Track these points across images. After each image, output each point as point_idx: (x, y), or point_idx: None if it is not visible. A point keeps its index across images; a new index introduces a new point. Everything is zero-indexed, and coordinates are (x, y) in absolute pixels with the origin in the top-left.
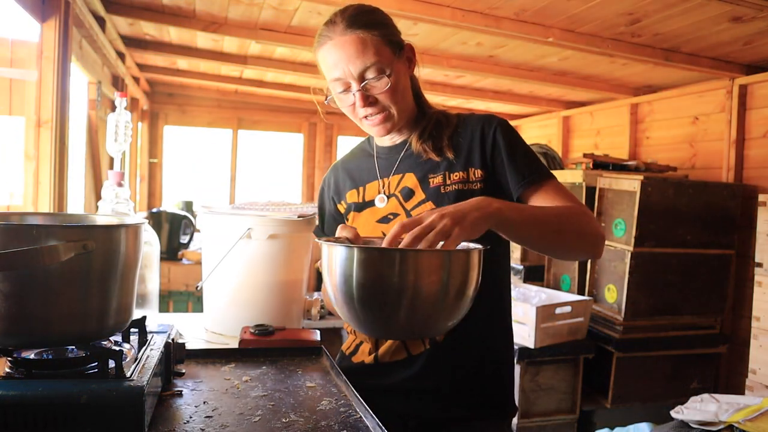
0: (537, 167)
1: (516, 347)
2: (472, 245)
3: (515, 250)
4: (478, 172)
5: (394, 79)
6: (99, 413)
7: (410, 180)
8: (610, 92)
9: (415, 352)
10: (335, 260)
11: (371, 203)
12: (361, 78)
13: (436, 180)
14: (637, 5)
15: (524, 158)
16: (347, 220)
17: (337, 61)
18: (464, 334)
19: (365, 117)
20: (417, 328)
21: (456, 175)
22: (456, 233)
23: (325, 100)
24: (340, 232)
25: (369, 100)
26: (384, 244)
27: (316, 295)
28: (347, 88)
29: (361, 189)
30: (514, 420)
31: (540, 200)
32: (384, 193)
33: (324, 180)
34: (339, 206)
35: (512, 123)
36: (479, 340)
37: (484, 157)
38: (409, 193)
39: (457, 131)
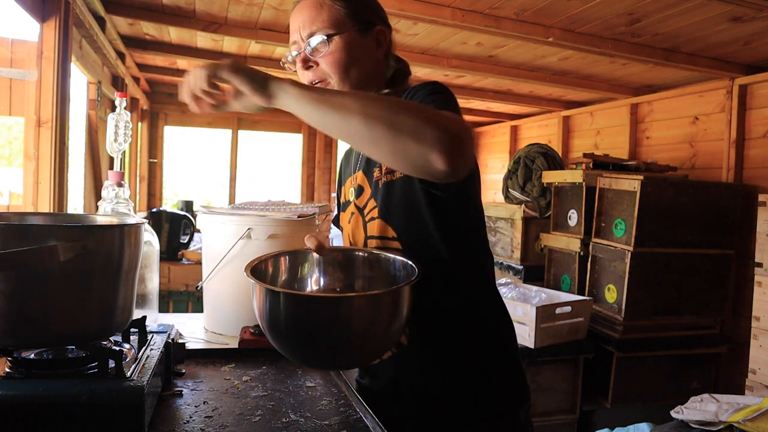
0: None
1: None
2: (409, 262)
3: (515, 250)
4: None
5: (339, 47)
6: (99, 413)
7: (360, 174)
8: (610, 92)
9: (384, 356)
10: (258, 298)
11: (349, 201)
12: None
13: (376, 172)
14: (637, 5)
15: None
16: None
17: (294, 23)
18: (432, 335)
19: (308, 83)
20: (343, 362)
21: (385, 165)
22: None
23: (281, 63)
24: (306, 242)
25: (309, 63)
26: None
27: None
28: (300, 52)
29: (344, 186)
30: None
31: None
32: (353, 188)
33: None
34: (340, 199)
35: (512, 123)
36: (451, 340)
37: None
38: (359, 190)
39: None
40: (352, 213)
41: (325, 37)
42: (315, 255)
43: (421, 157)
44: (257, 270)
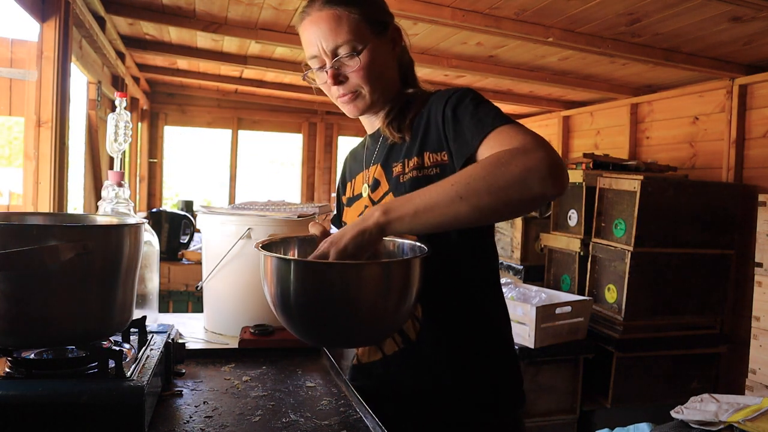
0: (481, 127)
1: (516, 347)
2: (417, 244)
3: (515, 250)
4: (433, 156)
5: (368, 59)
6: (99, 413)
7: (378, 169)
8: (610, 92)
9: (388, 351)
10: (269, 270)
11: (360, 195)
12: (334, 55)
13: (397, 168)
14: (637, 5)
15: (469, 123)
16: (343, 214)
17: (312, 38)
18: (439, 330)
19: (338, 96)
20: (351, 338)
21: (412, 161)
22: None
23: (303, 76)
24: (310, 229)
25: (339, 78)
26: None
27: None
28: (322, 66)
29: (352, 182)
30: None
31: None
32: (367, 184)
33: (343, 164)
34: (342, 197)
35: None
36: (457, 336)
37: (438, 137)
38: (375, 184)
39: (421, 111)
40: (365, 206)
41: (354, 53)
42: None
43: (538, 197)
44: (268, 248)
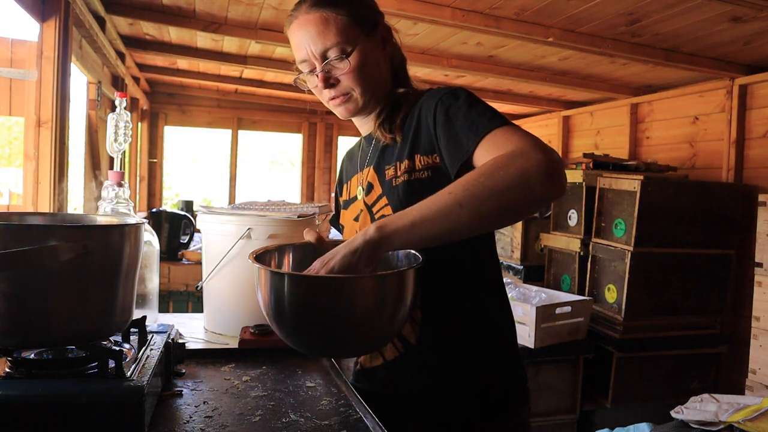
0: (476, 129)
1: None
2: (413, 253)
3: (515, 250)
4: (425, 159)
5: (358, 60)
6: (99, 413)
7: (371, 172)
8: (610, 92)
9: (389, 356)
10: (262, 281)
11: (355, 198)
12: (323, 58)
13: (389, 171)
14: (637, 5)
15: (463, 125)
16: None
17: (301, 42)
18: (439, 334)
19: (330, 99)
20: (344, 349)
21: (404, 165)
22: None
23: (294, 81)
24: (305, 236)
25: (330, 81)
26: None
27: None
28: (313, 69)
29: (348, 183)
30: None
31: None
32: (361, 187)
33: (339, 166)
34: (340, 199)
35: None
36: (457, 339)
37: (430, 139)
38: (369, 188)
39: (412, 111)
40: (361, 210)
41: (343, 55)
42: (315, 248)
43: (539, 199)
44: (261, 259)
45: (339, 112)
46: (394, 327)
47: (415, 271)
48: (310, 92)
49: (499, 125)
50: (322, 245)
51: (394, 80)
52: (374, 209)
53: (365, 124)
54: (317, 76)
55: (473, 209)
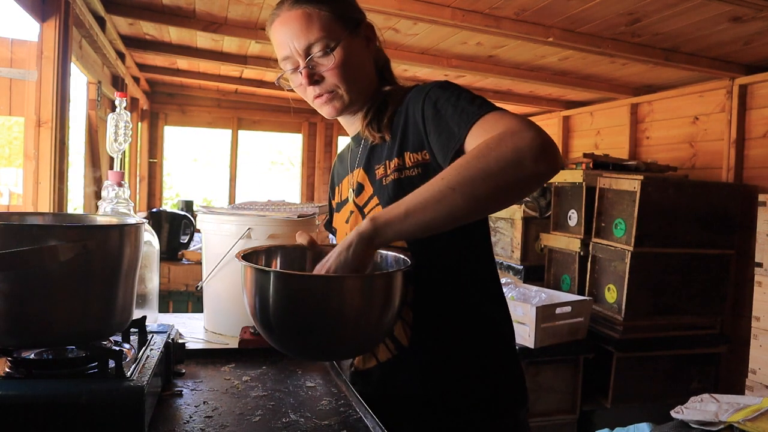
0: (466, 117)
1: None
2: (401, 257)
3: (515, 250)
4: (414, 156)
5: (342, 56)
6: (99, 413)
7: (361, 173)
8: (610, 92)
9: (382, 358)
10: (248, 280)
11: (346, 200)
12: (307, 54)
13: (379, 171)
14: (637, 5)
15: (453, 115)
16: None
17: (283, 39)
18: (432, 334)
19: (315, 97)
20: (330, 352)
21: (393, 163)
22: None
23: (276, 80)
24: (297, 238)
25: (314, 77)
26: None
27: None
28: (296, 67)
29: (339, 186)
30: None
31: None
32: (352, 188)
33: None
34: (332, 202)
35: None
36: (451, 339)
37: (419, 135)
38: (359, 189)
39: (399, 108)
40: (351, 212)
41: (328, 50)
42: (307, 251)
43: (533, 177)
44: (249, 259)
45: (325, 111)
46: (381, 329)
47: (403, 274)
48: (291, 90)
49: (488, 111)
50: (314, 248)
51: (380, 79)
52: (365, 210)
53: (352, 125)
54: (301, 73)
55: (467, 192)
